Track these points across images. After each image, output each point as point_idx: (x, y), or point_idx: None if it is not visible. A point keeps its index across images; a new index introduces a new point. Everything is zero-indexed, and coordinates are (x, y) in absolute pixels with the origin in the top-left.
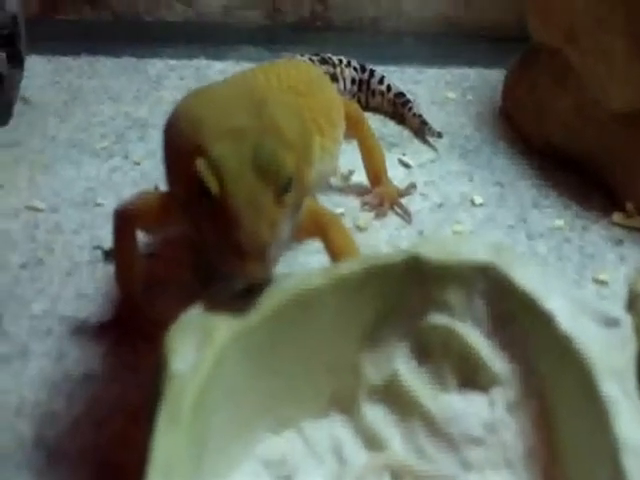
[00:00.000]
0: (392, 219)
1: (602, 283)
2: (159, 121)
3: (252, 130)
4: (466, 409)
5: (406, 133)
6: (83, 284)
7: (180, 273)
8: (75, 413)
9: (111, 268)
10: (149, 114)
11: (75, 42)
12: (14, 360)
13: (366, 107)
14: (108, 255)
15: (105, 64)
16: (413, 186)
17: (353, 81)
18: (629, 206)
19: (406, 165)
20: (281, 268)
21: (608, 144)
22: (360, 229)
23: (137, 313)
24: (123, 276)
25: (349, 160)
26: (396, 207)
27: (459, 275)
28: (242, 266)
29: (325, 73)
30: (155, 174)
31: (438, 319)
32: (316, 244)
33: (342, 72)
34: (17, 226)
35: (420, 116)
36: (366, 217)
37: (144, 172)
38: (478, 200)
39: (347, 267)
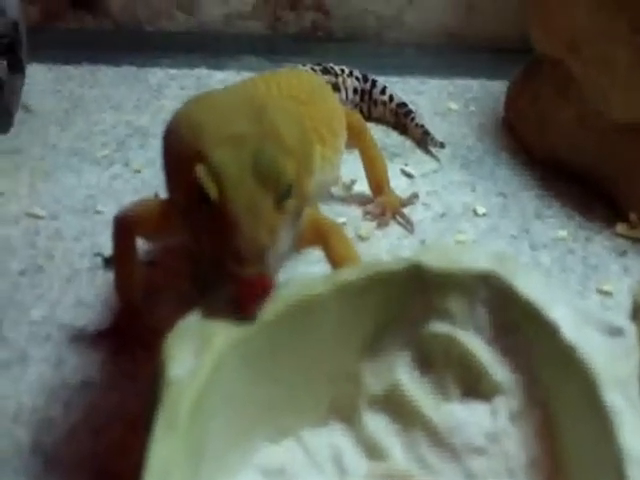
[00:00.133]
0: (394, 229)
1: (606, 294)
2: (160, 130)
3: (252, 136)
4: (468, 418)
5: (408, 143)
6: (83, 291)
7: (179, 282)
8: (73, 420)
9: (111, 275)
10: (150, 123)
11: (76, 51)
12: (13, 366)
13: (368, 117)
14: (108, 262)
15: (106, 73)
16: (415, 196)
17: (355, 91)
18: (632, 217)
19: (408, 175)
20: (282, 277)
21: (611, 155)
22: (362, 239)
23: (136, 321)
24: (122, 283)
25: (351, 170)
26: (398, 217)
27: (461, 283)
28: (241, 273)
29: (327, 83)
30: (155, 182)
31: (440, 327)
32: (317, 253)
33: (344, 82)
34: (17, 233)
35: (422, 126)
36: (368, 227)
37: (144, 180)
38: (481, 210)
39: (348, 274)
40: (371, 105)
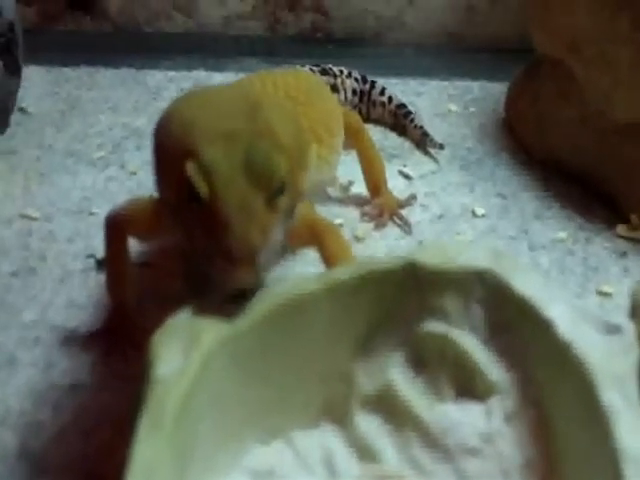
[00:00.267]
0: (392, 230)
1: (606, 295)
2: None
3: (244, 133)
4: (462, 419)
5: (407, 145)
6: (75, 293)
7: (172, 282)
8: (61, 423)
9: (103, 277)
10: (147, 125)
11: (75, 53)
12: (0, 369)
13: (367, 118)
14: (101, 264)
15: (104, 75)
16: (413, 197)
17: (354, 92)
18: (633, 218)
19: (407, 176)
20: (274, 276)
21: (612, 155)
22: (359, 240)
23: (128, 321)
24: (114, 283)
25: (348, 171)
26: (396, 218)
27: (456, 281)
28: (232, 271)
29: (326, 84)
30: (151, 184)
31: (434, 326)
32: (313, 254)
33: (343, 83)
34: (10, 234)
35: (421, 127)
36: (365, 228)
37: (140, 182)
38: (479, 211)
39: (342, 272)
40: (370, 106)
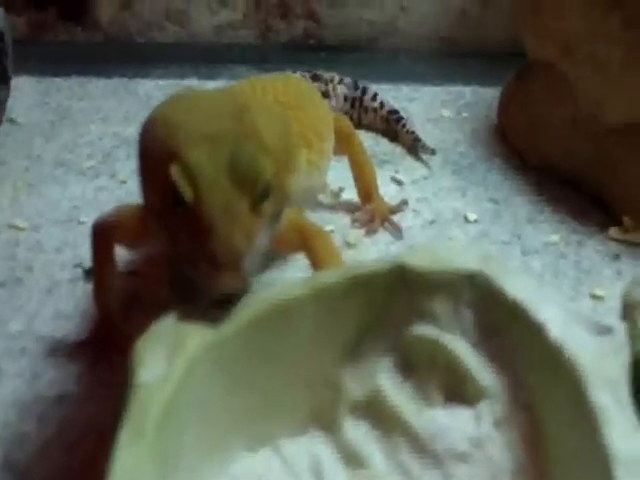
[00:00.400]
0: (383, 236)
1: (598, 298)
2: None
3: (230, 135)
4: (451, 424)
5: (399, 150)
6: (62, 303)
7: (159, 291)
8: (46, 435)
9: (91, 287)
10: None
11: (66, 63)
12: None
13: (359, 125)
14: (89, 274)
15: (96, 85)
16: (405, 203)
17: (345, 98)
18: (626, 220)
19: (398, 182)
20: (263, 283)
21: (604, 158)
22: (350, 246)
23: (114, 330)
24: (101, 291)
25: (339, 177)
26: (387, 224)
27: (446, 284)
28: (216, 276)
29: (316, 90)
30: None
31: (423, 330)
32: (303, 260)
33: (334, 89)
34: None
35: (413, 133)
36: (356, 234)
37: (130, 191)
38: (472, 216)
39: (329, 276)
40: (361, 112)
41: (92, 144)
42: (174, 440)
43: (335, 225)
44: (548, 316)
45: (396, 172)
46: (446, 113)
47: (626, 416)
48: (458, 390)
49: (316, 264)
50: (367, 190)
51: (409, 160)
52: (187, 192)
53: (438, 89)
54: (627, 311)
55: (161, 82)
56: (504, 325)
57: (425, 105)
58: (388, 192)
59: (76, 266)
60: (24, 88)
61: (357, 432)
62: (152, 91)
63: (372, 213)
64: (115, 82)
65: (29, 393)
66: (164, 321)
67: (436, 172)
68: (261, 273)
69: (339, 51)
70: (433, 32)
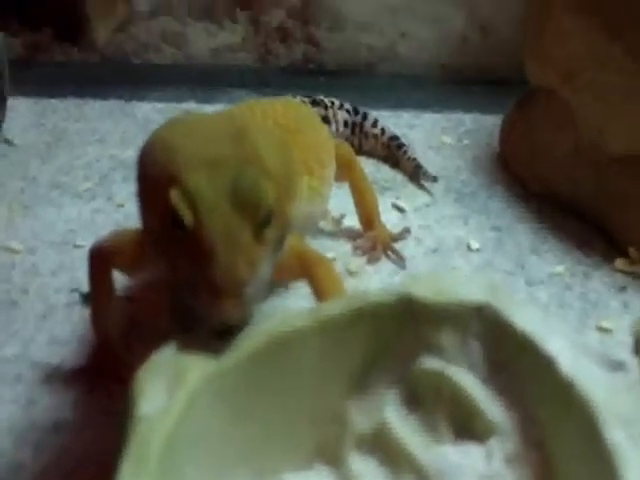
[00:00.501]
0: (385, 264)
1: (606, 331)
2: None
3: (231, 159)
4: (461, 461)
5: (400, 177)
6: (58, 328)
7: (159, 317)
8: (42, 464)
9: (88, 311)
10: (135, 156)
11: (62, 84)
12: None
13: (359, 151)
14: (86, 298)
15: (93, 106)
16: (407, 230)
17: (346, 124)
18: (632, 251)
19: (400, 209)
20: (265, 312)
21: (608, 188)
22: (351, 274)
23: (112, 357)
24: (98, 317)
25: (340, 203)
26: (389, 252)
27: (453, 316)
28: (217, 305)
29: (316, 114)
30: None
31: (430, 363)
32: (305, 288)
33: (334, 115)
34: None
35: (415, 159)
36: (358, 262)
37: (127, 214)
38: (474, 245)
39: (333, 307)
40: (362, 138)
41: (88, 166)
42: (176, 473)
43: (336, 252)
44: (558, 349)
45: (397, 199)
46: (447, 140)
47: None
48: (467, 425)
49: (318, 292)
50: (369, 217)
51: (411, 187)
52: (187, 217)
53: (439, 116)
54: (639, 346)
55: (158, 105)
56: (513, 358)
57: (426, 132)
58: (390, 219)
59: (73, 290)
60: (20, 109)
61: (363, 467)
62: (149, 113)
63: (374, 240)
64: (112, 104)
65: (25, 420)
66: (164, 351)
67: (438, 199)
68: (263, 302)
69: (339, 76)
70: (433, 58)
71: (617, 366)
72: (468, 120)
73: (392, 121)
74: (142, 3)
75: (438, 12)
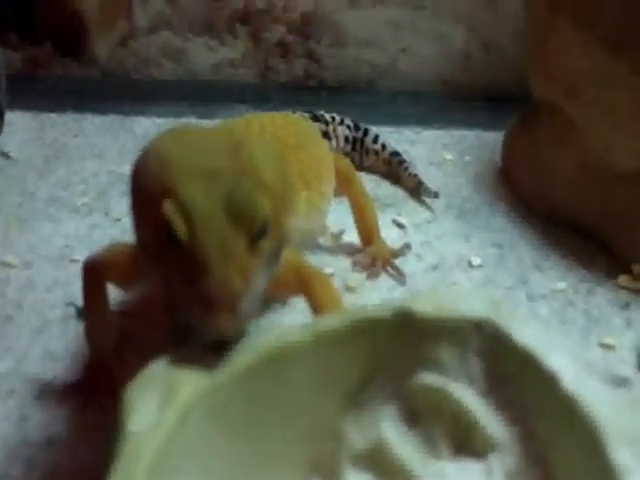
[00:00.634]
0: (385, 280)
1: (609, 347)
2: None
3: (226, 171)
4: (460, 477)
5: (401, 193)
6: (53, 343)
7: (155, 332)
8: None
9: (83, 326)
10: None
11: (62, 99)
12: None
13: (360, 167)
14: (81, 312)
15: (92, 121)
16: (407, 246)
17: (346, 139)
18: (636, 268)
19: (400, 225)
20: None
21: (612, 204)
22: (350, 290)
23: (106, 372)
24: (93, 331)
25: (340, 219)
26: (389, 268)
27: (452, 331)
28: (211, 318)
29: (316, 128)
30: None
31: (429, 379)
32: (303, 303)
33: (335, 130)
34: None
35: (416, 175)
36: (357, 278)
37: (124, 229)
38: (476, 261)
39: (330, 322)
40: (363, 154)
41: (86, 181)
42: None
43: (335, 268)
44: (560, 365)
45: (398, 215)
46: (449, 156)
47: None
48: (466, 441)
49: (316, 308)
50: (368, 232)
51: (412, 203)
52: (181, 229)
53: (440, 132)
54: None
55: (158, 120)
56: (514, 374)
57: (427, 148)
58: (390, 236)
59: (68, 304)
60: (19, 123)
61: None
62: (148, 128)
63: (374, 256)
64: (111, 119)
65: (17, 436)
66: (156, 365)
67: (439, 216)
68: (258, 316)
69: (339, 92)
70: (435, 75)
71: (620, 382)
72: (470, 136)
73: (393, 137)
74: (143, 18)
75: (439, 28)
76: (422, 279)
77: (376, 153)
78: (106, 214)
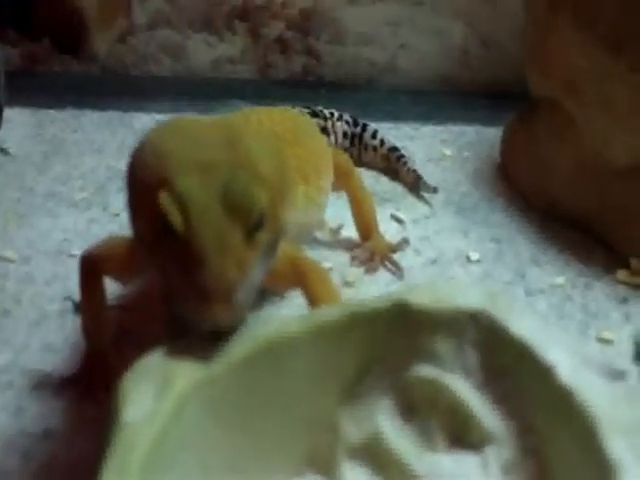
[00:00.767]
0: (383, 275)
1: (607, 342)
2: None
3: (223, 163)
4: (456, 470)
5: (400, 189)
6: (50, 336)
7: (152, 325)
8: (30, 472)
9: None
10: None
11: (61, 95)
12: None
13: (358, 162)
14: (78, 306)
15: (91, 117)
16: (406, 241)
17: (345, 135)
18: (634, 263)
19: (399, 220)
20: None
21: (610, 199)
22: (349, 284)
23: (103, 365)
24: (89, 325)
25: (338, 214)
26: (387, 262)
27: (449, 323)
28: (207, 309)
29: (315, 124)
30: None
31: (425, 371)
32: (300, 297)
33: (333, 126)
34: None
35: (415, 171)
36: (355, 272)
37: (122, 224)
38: (474, 256)
39: (327, 314)
40: (361, 149)
41: (85, 176)
42: None
43: (333, 263)
44: (557, 358)
45: (397, 210)
46: (447, 152)
47: None
48: (462, 434)
49: (312, 300)
50: (367, 227)
51: (410, 199)
52: (177, 220)
53: (439, 128)
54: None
55: (157, 116)
56: (510, 366)
57: (426, 144)
58: (389, 230)
59: (66, 298)
60: (17, 119)
61: (355, 476)
62: (147, 124)
63: (372, 251)
64: (110, 115)
65: (14, 427)
66: (152, 356)
67: (438, 211)
68: (254, 308)
69: (339, 89)
70: (434, 71)
71: (617, 375)
72: (468, 132)
73: (392, 133)
74: (142, 15)
75: (438, 25)
76: (420, 274)
77: (375, 148)
78: (104, 209)
